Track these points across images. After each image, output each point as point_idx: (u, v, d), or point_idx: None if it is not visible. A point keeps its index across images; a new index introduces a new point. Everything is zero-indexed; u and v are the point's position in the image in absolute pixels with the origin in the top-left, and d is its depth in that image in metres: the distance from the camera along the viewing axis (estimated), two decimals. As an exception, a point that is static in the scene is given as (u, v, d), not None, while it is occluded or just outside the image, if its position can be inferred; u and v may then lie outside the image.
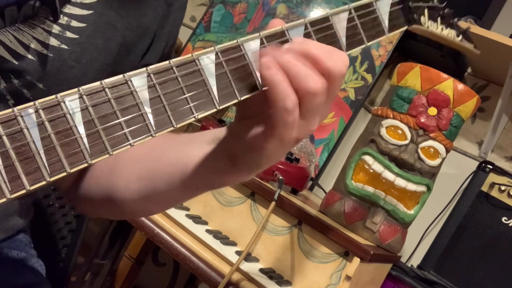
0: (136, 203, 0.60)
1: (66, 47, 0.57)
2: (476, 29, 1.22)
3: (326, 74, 0.47)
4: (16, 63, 0.55)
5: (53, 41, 0.56)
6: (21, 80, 0.56)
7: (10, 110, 0.37)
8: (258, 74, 0.47)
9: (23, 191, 0.37)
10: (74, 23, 0.57)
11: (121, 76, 0.41)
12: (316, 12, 1.64)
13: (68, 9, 0.57)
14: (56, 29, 0.56)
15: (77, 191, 0.66)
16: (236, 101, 0.46)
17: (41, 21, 0.56)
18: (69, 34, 0.57)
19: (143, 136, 0.42)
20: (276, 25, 0.49)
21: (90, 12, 0.59)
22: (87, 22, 0.58)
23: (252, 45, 0.47)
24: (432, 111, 1.09)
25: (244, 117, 0.50)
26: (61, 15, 0.56)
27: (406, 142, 1.09)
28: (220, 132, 0.54)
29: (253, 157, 0.50)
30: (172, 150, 0.59)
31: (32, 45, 0.55)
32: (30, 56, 0.56)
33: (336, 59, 0.47)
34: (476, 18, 1.33)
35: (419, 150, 1.09)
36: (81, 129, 0.39)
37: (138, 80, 0.42)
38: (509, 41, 1.22)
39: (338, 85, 0.48)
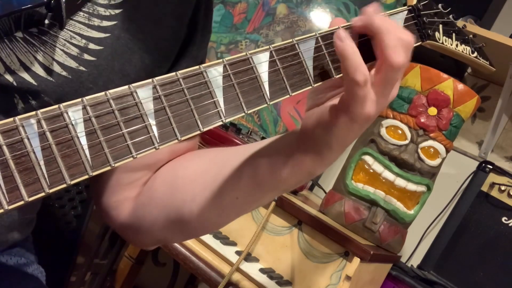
0: (204, 214, 0.59)
1: (84, 69, 0.57)
2: (476, 29, 1.22)
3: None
4: (35, 83, 0.55)
5: (72, 63, 0.56)
6: (38, 101, 0.55)
7: (11, 119, 0.36)
8: (311, 68, 0.48)
9: (21, 202, 0.36)
10: (92, 46, 0.57)
11: (126, 87, 0.40)
12: (316, 12, 1.64)
13: (86, 31, 0.57)
14: (74, 51, 0.56)
15: (130, 221, 0.65)
16: (242, 114, 0.45)
17: (60, 43, 0.55)
18: (86, 56, 0.57)
19: (147, 149, 0.41)
20: (338, 23, 0.50)
21: (107, 35, 0.58)
22: (105, 45, 0.58)
23: (261, 58, 0.46)
24: (432, 111, 1.09)
25: (315, 96, 0.52)
26: (80, 37, 0.56)
27: (406, 142, 1.09)
28: (284, 135, 0.55)
29: (323, 135, 0.49)
30: (236, 154, 0.59)
31: (52, 67, 0.55)
32: (48, 77, 0.55)
33: (409, 33, 0.48)
34: (476, 18, 1.33)
35: (419, 150, 1.09)
36: (83, 140, 0.38)
37: (144, 91, 0.41)
38: (509, 41, 1.22)
39: (408, 61, 0.48)
